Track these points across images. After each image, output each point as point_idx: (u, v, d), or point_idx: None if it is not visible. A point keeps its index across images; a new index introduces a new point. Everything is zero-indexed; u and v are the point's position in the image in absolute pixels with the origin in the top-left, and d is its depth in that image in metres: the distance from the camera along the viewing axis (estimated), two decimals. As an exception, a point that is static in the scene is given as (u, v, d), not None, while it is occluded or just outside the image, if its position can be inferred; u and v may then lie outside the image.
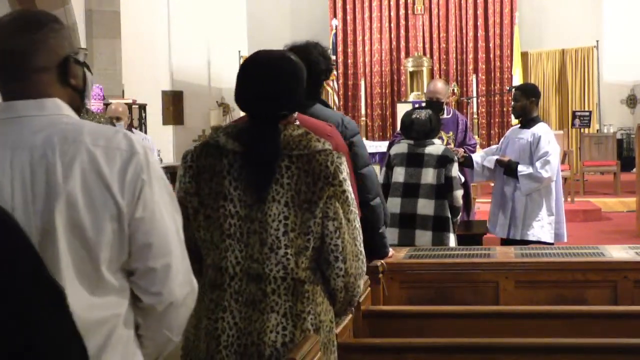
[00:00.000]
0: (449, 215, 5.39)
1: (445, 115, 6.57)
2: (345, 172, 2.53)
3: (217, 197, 2.50)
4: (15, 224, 1.35)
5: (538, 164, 5.87)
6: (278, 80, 2.54)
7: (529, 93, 6.09)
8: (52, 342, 1.34)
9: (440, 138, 6.48)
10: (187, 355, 2.59)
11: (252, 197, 2.49)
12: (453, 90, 13.15)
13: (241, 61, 13.98)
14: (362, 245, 2.60)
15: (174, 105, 15.48)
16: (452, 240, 5.39)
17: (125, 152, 1.83)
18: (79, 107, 1.95)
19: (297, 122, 2.66)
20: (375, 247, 4.05)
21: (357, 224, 2.58)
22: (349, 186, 2.54)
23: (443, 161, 5.41)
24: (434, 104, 6.38)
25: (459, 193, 5.41)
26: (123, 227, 1.82)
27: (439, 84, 6.64)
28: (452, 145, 6.47)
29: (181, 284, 1.91)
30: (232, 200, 2.50)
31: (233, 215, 2.50)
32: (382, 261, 4.12)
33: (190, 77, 15.61)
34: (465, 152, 6.32)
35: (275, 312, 2.49)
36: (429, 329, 3.53)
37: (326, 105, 3.93)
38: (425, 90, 7.25)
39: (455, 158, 5.58)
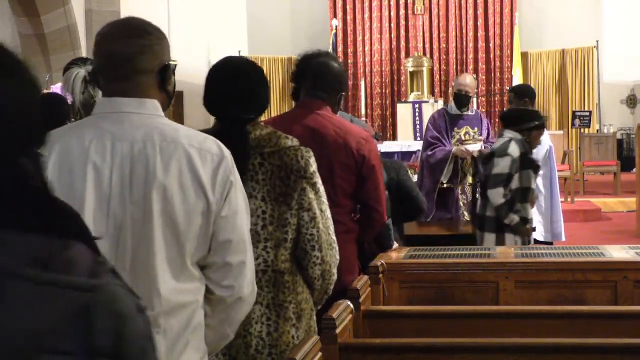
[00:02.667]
0: (490, 214, 5.27)
1: (468, 112, 6.55)
2: (314, 165, 2.68)
3: None
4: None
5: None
6: (243, 84, 2.68)
7: (522, 94, 6.12)
8: None
9: (467, 132, 6.48)
10: None
11: None
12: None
13: (243, 56, 13.88)
14: (334, 234, 2.74)
15: (174, 105, 15.48)
16: (491, 240, 5.25)
17: (217, 156, 2.00)
18: (166, 110, 2.12)
19: (262, 123, 2.80)
20: (379, 237, 4.21)
21: (329, 214, 2.72)
22: (319, 179, 2.69)
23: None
24: (463, 97, 6.40)
25: (493, 192, 5.23)
26: (209, 223, 1.98)
27: (468, 78, 6.62)
28: (481, 138, 6.46)
29: (250, 281, 2.08)
30: None
31: None
32: (382, 261, 4.12)
33: (190, 77, 15.59)
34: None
35: (258, 303, 2.59)
36: (429, 329, 3.53)
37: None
38: (453, 84, 7.19)
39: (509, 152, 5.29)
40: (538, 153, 5.89)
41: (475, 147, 6.32)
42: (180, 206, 1.94)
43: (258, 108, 2.73)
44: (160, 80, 2.07)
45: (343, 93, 3.63)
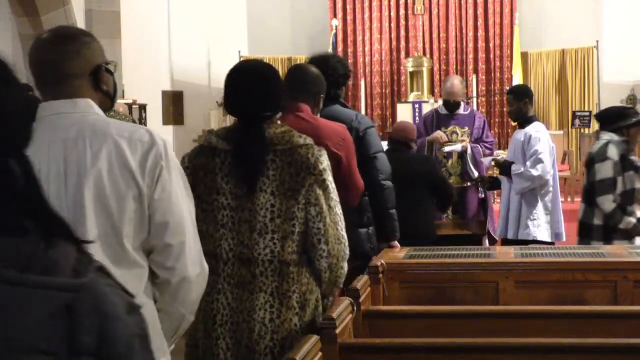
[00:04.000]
0: (598, 222, 5.19)
1: (461, 111, 6.57)
2: (325, 163, 2.84)
3: (211, 191, 2.80)
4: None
5: (529, 163, 5.88)
6: (261, 85, 2.87)
7: (520, 95, 6.11)
8: None
9: (454, 132, 6.49)
10: (191, 339, 2.88)
11: (242, 189, 2.79)
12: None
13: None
14: (344, 230, 2.88)
15: (174, 105, 15.47)
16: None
17: (147, 143, 2.11)
18: (108, 110, 2.26)
19: (279, 122, 2.98)
20: (384, 227, 4.41)
21: (338, 210, 2.87)
22: (329, 176, 2.84)
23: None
24: (451, 104, 6.45)
25: (602, 199, 5.15)
26: (144, 207, 2.09)
27: (456, 86, 6.60)
28: (467, 140, 6.47)
29: (193, 262, 2.16)
30: (224, 194, 2.80)
31: (225, 207, 2.80)
32: (382, 261, 4.12)
33: (190, 77, 15.61)
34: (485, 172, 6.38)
35: (263, 291, 2.78)
36: (429, 329, 3.53)
37: (344, 105, 4.54)
38: (441, 89, 7.22)
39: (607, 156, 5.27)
40: (544, 151, 5.89)
41: (454, 148, 6.34)
42: (112, 193, 2.06)
43: (273, 107, 2.89)
44: (94, 82, 2.19)
45: (322, 94, 3.88)
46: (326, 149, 3.62)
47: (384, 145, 5.09)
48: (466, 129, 6.53)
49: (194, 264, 2.17)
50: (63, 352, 0.98)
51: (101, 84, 2.20)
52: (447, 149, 6.32)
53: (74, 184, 2.05)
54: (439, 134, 6.40)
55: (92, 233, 2.02)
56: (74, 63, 2.15)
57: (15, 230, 1.03)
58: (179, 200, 2.14)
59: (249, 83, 2.89)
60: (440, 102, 7.06)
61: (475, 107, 13.44)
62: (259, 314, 2.78)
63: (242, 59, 15.41)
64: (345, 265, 2.92)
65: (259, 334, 2.78)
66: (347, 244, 2.90)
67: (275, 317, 2.79)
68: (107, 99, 2.24)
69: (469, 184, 6.35)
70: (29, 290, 0.99)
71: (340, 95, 4.56)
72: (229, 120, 16.21)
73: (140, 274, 2.11)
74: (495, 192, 6.67)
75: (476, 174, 6.33)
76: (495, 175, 6.48)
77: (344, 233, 2.88)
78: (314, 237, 2.80)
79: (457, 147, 6.35)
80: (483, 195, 6.42)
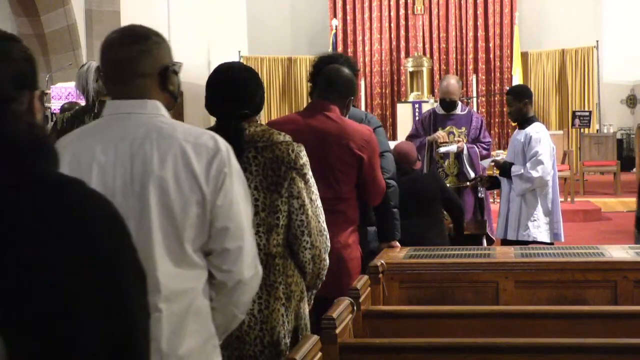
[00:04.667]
0: None
1: (458, 112, 6.57)
2: (304, 158, 2.94)
3: None
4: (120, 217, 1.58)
5: (529, 164, 5.87)
6: (238, 87, 3.00)
7: (520, 95, 6.09)
8: (144, 329, 1.55)
9: (451, 132, 6.49)
10: None
11: None
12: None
13: (241, 61, 13.90)
14: (324, 223, 2.99)
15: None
16: None
17: (211, 149, 2.16)
18: (171, 109, 2.29)
19: (259, 122, 3.11)
20: (385, 226, 4.42)
21: (319, 203, 2.98)
22: (309, 170, 2.95)
23: None
24: (447, 103, 6.45)
25: None
26: (206, 212, 2.13)
27: (452, 85, 6.59)
28: (462, 139, 6.47)
29: (249, 265, 2.22)
30: None
31: None
32: (382, 261, 4.12)
33: (190, 77, 15.55)
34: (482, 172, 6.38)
35: None
36: (429, 329, 3.53)
37: (353, 105, 4.48)
38: (438, 89, 7.22)
39: None
40: (544, 152, 5.89)
41: (449, 149, 6.34)
42: (176, 197, 2.10)
43: (252, 107, 3.02)
44: (161, 82, 2.23)
45: (352, 97, 4.01)
46: (348, 148, 3.79)
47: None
48: (463, 129, 6.53)
49: (249, 267, 2.23)
50: None
51: (168, 84, 2.25)
52: (442, 149, 6.32)
53: (140, 183, 2.10)
54: (440, 133, 6.41)
55: (156, 235, 2.08)
56: (145, 62, 2.20)
57: None
58: (240, 206, 2.19)
59: (227, 85, 3.01)
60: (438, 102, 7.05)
61: (475, 107, 13.45)
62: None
63: (242, 59, 15.42)
64: (327, 258, 3.01)
65: (249, 325, 2.86)
66: (328, 236, 3.00)
67: (264, 308, 2.88)
68: (172, 99, 2.29)
69: (467, 184, 6.35)
70: None
71: None
72: (229, 120, 16.23)
73: (199, 275, 2.17)
74: (495, 192, 6.66)
75: (473, 174, 6.34)
76: (494, 175, 6.47)
77: (325, 226, 2.99)
78: (297, 229, 2.90)
79: (453, 147, 6.35)
80: (482, 195, 6.43)
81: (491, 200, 9.61)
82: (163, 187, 2.10)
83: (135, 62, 2.20)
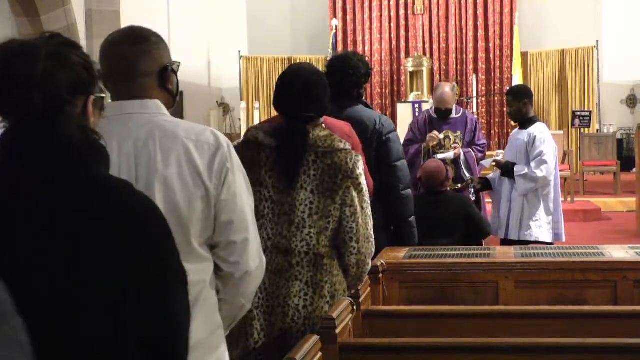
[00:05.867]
0: None
1: (453, 115, 6.56)
2: (361, 168, 3.05)
3: (255, 184, 2.92)
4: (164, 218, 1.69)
5: (533, 164, 5.87)
6: (307, 90, 3.09)
7: (520, 96, 6.08)
8: (185, 324, 1.66)
9: (447, 137, 6.49)
10: None
11: (283, 185, 3.01)
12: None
13: (241, 61, 13.82)
14: (372, 229, 3.10)
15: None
16: None
17: (213, 146, 2.21)
18: (171, 108, 2.35)
19: (324, 125, 3.20)
20: (403, 235, 4.53)
21: (369, 211, 3.08)
22: (363, 179, 3.06)
23: None
24: (443, 112, 6.45)
25: None
26: (210, 207, 2.19)
27: (447, 94, 6.56)
28: (459, 145, 6.47)
29: (254, 256, 2.29)
30: (267, 187, 3.03)
31: (267, 199, 3.03)
32: (382, 261, 4.12)
33: (190, 77, 15.58)
34: (477, 178, 6.36)
35: (298, 280, 3.02)
36: (429, 329, 3.53)
37: (367, 106, 4.57)
38: (432, 96, 7.14)
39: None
40: (548, 152, 5.88)
41: (446, 155, 6.34)
42: (181, 194, 2.16)
43: (318, 110, 3.12)
44: (161, 81, 2.29)
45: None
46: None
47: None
48: (458, 133, 6.54)
49: (254, 258, 2.29)
50: None
51: (167, 83, 2.31)
52: (439, 156, 6.31)
53: (145, 182, 2.14)
54: (433, 134, 6.38)
55: None
56: (145, 62, 2.26)
57: None
58: (243, 200, 2.26)
59: (297, 87, 3.10)
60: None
61: (475, 107, 13.45)
62: (294, 301, 3.01)
63: (242, 59, 15.42)
64: (370, 262, 3.15)
65: (293, 319, 3.01)
66: (373, 242, 3.12)
67: (309, 305, 3.01)
68: (171, 98, 2.34)
69: (459, 186, 6.35)
70: None
71: (362, 95, 4.56)
72: (229, 120, 16.22)
73: (206, 268, 2.23)
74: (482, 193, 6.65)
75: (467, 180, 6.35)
76: (486, 177, 6.46)
77: (372, 232, 3.10)
78: (346, 235, 3.02)
79: (450, 154, 6.37)
80: (474, 197, 6.44)
81: (489, 201, 9.62)
82: (168, 184, 2.15)
83: (135, 63, 2.24)
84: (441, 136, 6.43)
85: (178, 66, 2.35)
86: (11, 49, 1.64)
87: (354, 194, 3.01)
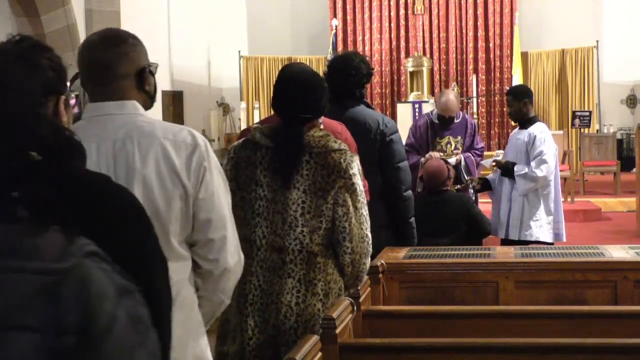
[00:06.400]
0: None
1: (455, 121, 6.56)
2: (356, 168, 3.07)
3: (251, 182, 3.07)
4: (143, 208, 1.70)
5: (533, 164, 5.87)
6: (304, 92, 3.14)
7: (519, 95, 6.09)
8: (168, 311, 1.66)
9: (448, 143, 6.50)
10: (223, 314, 3.02)
11: (277, 184, 3.05)
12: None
13: (241, 61, 13.82)
14: (368, 229, 3.11)
15: (174, 105, 15.47)
16: None
17: (190, 145, 2.25)
18: (148, 109, 2.37)
19: (322, 126, 3.25)
20: (403, 235, 4.54)
21: (365, 211, 3.10)
22: (358, 180, 3.08)
23: None
24: (447, 120, 6.44)
25: None
26: (189, 206, 2.23)
27: (451, 101, 6.54)
28: (459, 150, 6.47)
29: (232, 253, 2.33)
30: (262, 186, 3.07)
31: (262, 198, 3.07)
32: (382, 261, 4.12)
33: (190, 77, 15.61)
34: (475, 178, 6.35)
35: (291, 277, 3.05)
36: (429, 329, 3.53)
37: (369, 106, 4.56)
38: (436, 103, 7.09)
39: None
40: (549, 152, 5.89)
41: (449, 162, 6.35)
42: (160, 193, 2.19)
43: (315, 112, 3.16)
44: (139, 82, 2.32)
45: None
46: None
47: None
48: (459, 138, 6.55)
49: (232, 255, 2.33)
50: (50, 330, 1.10)
51: (145, 84, 2.33)
52: None
53: (124, 182, 2.14)
54: (433, 154, 6.32)
55: None
56: (123, 64, 2.28)
57: (6, 218, 1.16)
58: (220, 198, 2.29)
59: (294, 88, 3.15)
60: (434, 109, 7.00)
61: (475, 107, 13.44)
62: (286, 297, 3.05)
63: (242, 59, 15.43)
64: (368, 261, 3.17)
65: (285, 315, 3.04)
66: (370, 242, 3.13)
67: (301, 302, 3.05)
68: (149, 99, 2.37)
69: (458, 187, 6.35)
70: (8, 274, 1.11)
71: (364, 95, 4.56)
72: (229, 120, 16.22)
73: (185, 266, 2.27)
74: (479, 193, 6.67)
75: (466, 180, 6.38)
76: (485, 177, 6.47)
77: (368, 232, 3.11)
78: (339, 234, 3.05)
79: (452, 161, 6.38)
80: (473, 198, 6.44)
81: (489, 201, 9.61)
82: (146, 184, 2.18)
83: (113, 64, 2.28)
84: (436, 154, 6.37)
85: (156, 67, 2.39)
86: None
87: (347, 194, 3.04)
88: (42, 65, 1.69)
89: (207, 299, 2.36)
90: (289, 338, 3.04)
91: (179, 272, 2.22)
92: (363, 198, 3.11)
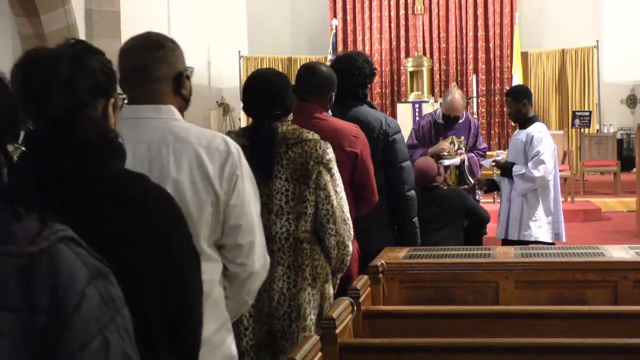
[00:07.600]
0: None
1: (459, 121, 6.55)
2: (331, 154, 3.25)
3: None
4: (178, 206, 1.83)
5: (530, 164, 5.87)
6: (270, 90, 3.31)
7: (519, 96, 6.09)
8: (197, 300, 1.77)
9: (452, 143, 6.49)
10: None
11: (260, 178, 3.00)
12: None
13: (241, 61, 13.87)
14: (348, 213, 3.30)
15: (174, 105, 15.47)
16: None
17: (224, 152, 2.30)
18: (184, 113, 2.43)
19: (290, 121, 3.42)
20: (406, 235, 4.56)
21: (343, 195, 3.29)
22: (334, 165, 3.26)
23: None
24: (452, 119, 6.43)
25: None
26: (219, 212, 2.29)
27: (457, 98, 6.52)
28: (462, 150, 6.46)
29: (259, 257, 2.40)
30: None
31: None
32: (382, 261, 4.12)
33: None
34: (482, 180, 6.37)
35: (281, 265, 3.21)
36: (429, 329, 3.53)
37: (371, 106, 4.60)
38: (441, 102, 7.04)
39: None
40: (546, 152, 5.88)
41: (453, 162, 6.35)
42: (192, 199, 2.24)
43: (283, 108, 3.33)
44: (175, 87, 2.37)
45: (333, 93, 3.99)
46: (340, 147, 3.85)
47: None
48: (462, 138, 6.53)
49: (259, 259, 2.40)
50: (23, 309, 1.20)
51: (182, 88, 2.38)
52: (446, 162, 6.31)
53: None
54: (445, 145, 6.35)
55: None
56: (161, 68, 2.33)
57: None
58: (250, 205, 2.35)
59: (260, 88, 3.33)
60: (438, 107, 6.98)
61: (475, 107, 13.44)
62: (278, 285, 3.21)
63: (242, 59, 15.42)
64: (351, 245, 3.32)
65: (278, 301, 3.20)
66: (351, 225, 3.29)
67: (292, 287, 3.21)
68: (184, 103, 2.41)
69: (465, 186, 6.35)
70: None
71: (367, 95, 4.58)
72: (229, 120, 16.22)
73: (215, 267, 2.33)
74: (494, 193, 6.68)
75: (472, 181, 6.38)
76: (492, 178, 6.47)
77: (348, 215, 3.29)
78: (323, 217, 3.20)
79: (456, 160, 6.38)
80: (479, 198, 6.44)
81: (491, 201, 9.62)
82: (179, 189, 2.22)
83: (151, 68, 2.33)
84: (448, 144, 6.39)
85: (192, 72, 2.43)
86: (35, 55, 1.78)
87: (327, 177, 3.21)
88: (92, 68, 1.78)
89: (233, 300, 2.42)
90: (283, 323, 3.20)
91: (209, 272, 2.26)
92: (341, 183, 3.28)
